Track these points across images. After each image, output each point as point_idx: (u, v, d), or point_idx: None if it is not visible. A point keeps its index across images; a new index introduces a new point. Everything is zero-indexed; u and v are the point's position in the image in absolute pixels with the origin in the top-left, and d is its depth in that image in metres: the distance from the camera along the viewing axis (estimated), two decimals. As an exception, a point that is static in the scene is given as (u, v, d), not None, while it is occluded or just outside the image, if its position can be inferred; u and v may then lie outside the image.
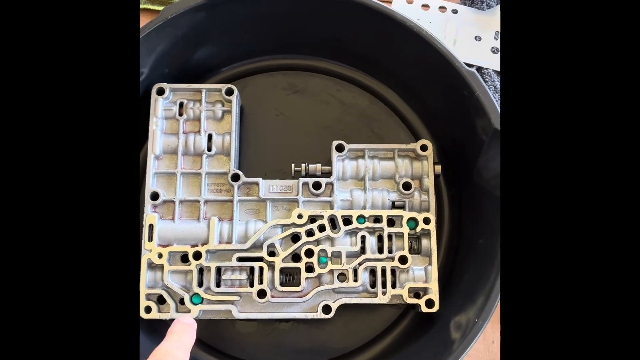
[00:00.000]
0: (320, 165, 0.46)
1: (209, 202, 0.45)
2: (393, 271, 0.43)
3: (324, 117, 0.49)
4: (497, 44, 0.51)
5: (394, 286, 0.43)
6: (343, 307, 0.43)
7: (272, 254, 0.43)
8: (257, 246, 0.43)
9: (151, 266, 0.43)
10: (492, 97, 0.41)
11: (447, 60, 0.42)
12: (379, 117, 0.50)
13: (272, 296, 0.43)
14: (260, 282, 0.42)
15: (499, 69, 0.50)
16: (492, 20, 0.52)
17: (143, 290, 0.42)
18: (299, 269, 0.43)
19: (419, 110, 0.49)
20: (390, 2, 0.52)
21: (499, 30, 0.51)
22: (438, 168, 0.46)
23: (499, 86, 0.49)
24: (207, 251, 0.43)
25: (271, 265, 0.43)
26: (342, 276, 0.43)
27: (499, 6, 0.52)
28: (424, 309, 0.42)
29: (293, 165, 0.46)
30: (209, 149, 0.45)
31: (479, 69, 0.50)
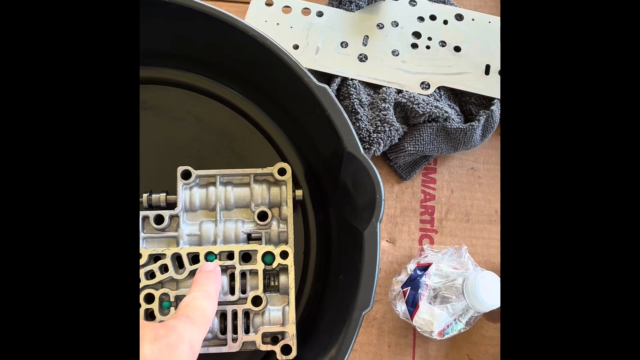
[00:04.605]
0: (165, 194, 0.40)
1: (31, 245, 0.38)
2: (247, 314, 0.38)
3: (178, 137, 0.44)
4: (365, 50, 0.45)
5: (247, 331, 0.38)
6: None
7: (106, 301, 0.37)
8: (88, 293, 0.38)
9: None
10: (346, 116, 0.36)
11: (295, 74, 0.37)
12: (240, 135, 0.44)
13: (107, 350, 0.37)
14: (92, 335, 0.37)
15: (365, 79, 0.44)
16: (360, 22, 0.46)
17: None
18: (137, 317, 0.37)
19: (284, 127, 0.44)
20: (248, 3, 0.46)
21: (368, 35, 0.45)
22: (299, 193, 0.41)
23: (365, 99, 0.43)
24: (29, 302, 0.37)
25: (105, 315, 0.37)
26: (189, 323, 0.38)
27: (369, 6, 0.46)
28: (280, 357, 0.37)
29: (133, 196, 0.40)
30: (31, 182, 0.39)
31: (344, 80, 0.44)
